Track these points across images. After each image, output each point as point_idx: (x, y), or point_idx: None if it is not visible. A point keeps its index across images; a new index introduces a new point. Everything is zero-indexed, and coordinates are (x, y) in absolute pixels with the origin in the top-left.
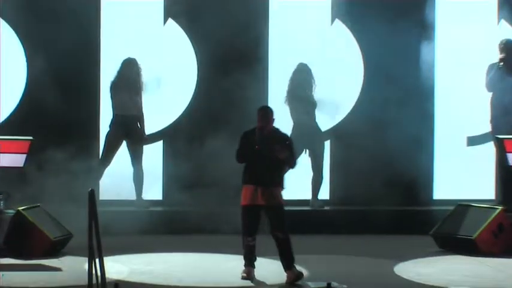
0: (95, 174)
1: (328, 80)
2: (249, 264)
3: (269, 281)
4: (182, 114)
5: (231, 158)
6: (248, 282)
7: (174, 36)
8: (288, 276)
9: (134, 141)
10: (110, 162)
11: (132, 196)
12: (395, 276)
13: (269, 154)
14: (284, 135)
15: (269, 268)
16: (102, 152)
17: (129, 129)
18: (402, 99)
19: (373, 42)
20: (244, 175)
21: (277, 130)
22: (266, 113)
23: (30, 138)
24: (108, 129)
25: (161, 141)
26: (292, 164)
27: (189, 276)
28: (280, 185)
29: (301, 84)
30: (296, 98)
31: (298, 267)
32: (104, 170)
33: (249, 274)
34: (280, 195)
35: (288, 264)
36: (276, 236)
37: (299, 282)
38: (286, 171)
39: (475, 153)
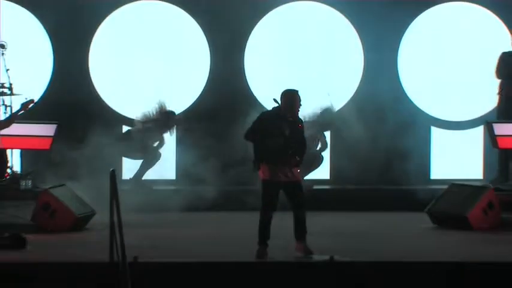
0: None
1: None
2: (263, 242)
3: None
4: (194, 103)
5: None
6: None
7: (188, 26)
8: (296, 247)
9: None
10: None
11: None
12: (392, 250)
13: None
14: (300, 119)
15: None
16: None
17: None
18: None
19: (372, 36)
20: (265, 153)
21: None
22: (295, 97)
23: (56, 122)
24: None
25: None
26: (304, 149)
27: (204, 250)
28: (297, 165)
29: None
30: None
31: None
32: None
33: (262, 254)
34: (298, 174)
35: (299, 235)
36: (294, 212)
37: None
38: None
39: (466, 137)
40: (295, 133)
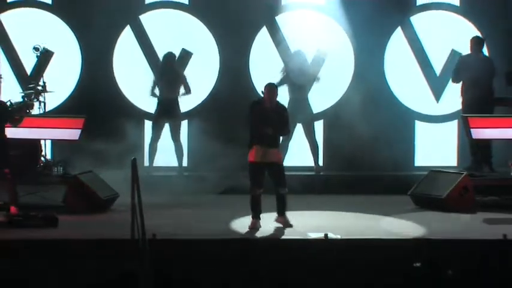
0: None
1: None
2: (256, 216)
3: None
4: (204, 100)
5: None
6: (262, 234)
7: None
8: (278, 220)
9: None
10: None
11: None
12: (379, 228)
13: (273, 125)
14: (283, 107)
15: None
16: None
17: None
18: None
19: (362, 38)
20: (253, 138)
21: (278, 102)
22: (273, 89)
23: (84, 116)
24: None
25: (186, 121)
26: (286, 133)
27: (212, 229)
28: (278, 146)
29: (297, 68)
30: (292, 79)
31: (300, 220)
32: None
33: (254, 225)
34: (280, 154)
35: (280, 210)
36: (277, 190)
37: (292, 232)
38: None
39: (445, 129)
40: (274, 118)
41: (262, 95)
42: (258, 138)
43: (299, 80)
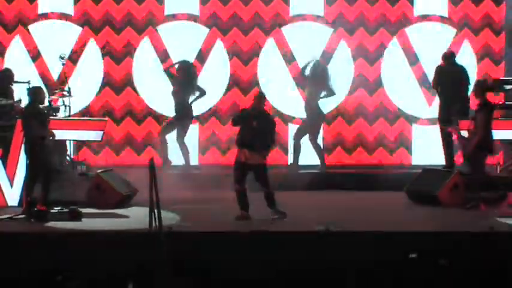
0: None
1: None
2: (243, 208)
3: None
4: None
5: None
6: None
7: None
8: (272, 214)
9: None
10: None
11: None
12: (377, 221)
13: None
14: (270, 117)
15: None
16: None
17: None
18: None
19: (362, 47)
20: (240, 140)
21: (266, 111)
22: (260, 98)
23: (105, 119)
24: None
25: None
26: (270, 142)
27: (221, 222)
28: (265, 149)
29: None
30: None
31: (305, 213)
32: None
33: (242, 216)
34: (264, 157)
35: (270, 205)
36: (262, 189)
37: (298, 224)
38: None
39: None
40: (262, 125)
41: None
42: (245, 140)
43: (310, 86)
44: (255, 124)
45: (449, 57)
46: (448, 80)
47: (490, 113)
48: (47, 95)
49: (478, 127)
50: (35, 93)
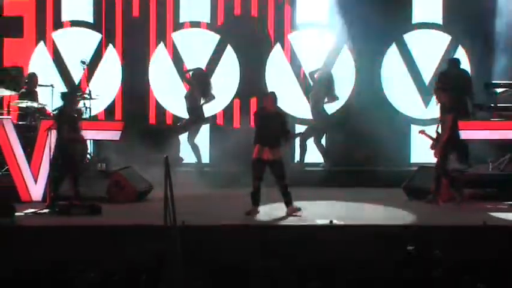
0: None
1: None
2: (254, 203)
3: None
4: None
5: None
6: (274, 220)
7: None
8: (288, 211)
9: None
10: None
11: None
12: (377, 216)
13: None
14: (282, 112)
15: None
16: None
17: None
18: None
19: (362, 53)
20: (258, 139)
21: (278, 108)
22: (272, 97)
23: (123, 121)
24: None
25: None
26: (285, 133)
27: (232, 216)
28: (279, 146)
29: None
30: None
31: (309, 209)
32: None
33: (253, 211)
34: (280, 153)
35: (287, 202)
36: (278, 183)
37: (303, 218)
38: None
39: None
40: (274, 123)
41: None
42: (260, 139)
43: (315, 91)
44: (267, 123)
45: (454, 62)
46: (452, 84)
47: (456, 115)
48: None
49: (445, 128)
50: (67, 98)
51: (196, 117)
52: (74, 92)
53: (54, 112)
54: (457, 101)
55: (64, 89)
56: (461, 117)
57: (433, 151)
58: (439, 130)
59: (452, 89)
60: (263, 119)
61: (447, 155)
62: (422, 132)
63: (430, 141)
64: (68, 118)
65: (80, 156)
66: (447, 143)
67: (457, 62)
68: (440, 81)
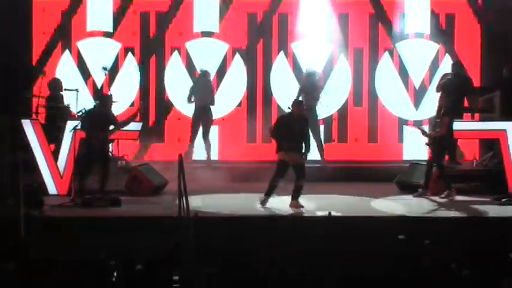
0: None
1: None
2: (267, 194)
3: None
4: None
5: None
6: (280, 213)
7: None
8: (291, 204)
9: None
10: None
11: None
12: (371, 207)
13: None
14: (305, 119)
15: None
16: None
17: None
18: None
19: (358, 61)
20: (281, 142)
21: (302, 115)
22: (300, 106)
23: (141, 121)
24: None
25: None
26: (307, 140)
27: (241, 208)
28: (301, 151)
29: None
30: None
31: (307, 202)
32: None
33: (265, 201)
34: (301, 157)
35: (294, 196)
36: (297, 181)
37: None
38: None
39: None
40: (301, 130)
41: (289, 110)
42: (285, 143)
43: (311, 92)
44: (296, 130)
45: (454, 67)
46: (451, 87)
47: (452, 117)
48: (92, 100)
49: (442, 127)
50: (99, 98)
51: (207, 116)
52: (109, 96)
53: (79, 113)
54: (456, 104)
55: (87, 93)
56: (456, 119)
57: (427, 148)
58: (426, 129)
59: (453, 93)
60: (289, 126)
61: (443, 152)
62: (417, 127)
63: (424, 137)
64: (95, 117)
65: (107, 153)
66: (442, 141)
67: (459, 67)
68: (444, 85)
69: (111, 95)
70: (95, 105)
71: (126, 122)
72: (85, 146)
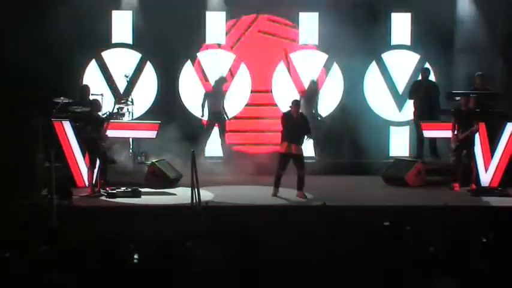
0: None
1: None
2: (276, 186)
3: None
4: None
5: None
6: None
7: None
8: (298, 194)
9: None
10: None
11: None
12: (361, 197)
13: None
14: (305, 116)
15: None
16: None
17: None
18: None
19: (348, 69)
20: (283, 136)
21: (302, 113)
22: (297, 104)
23: (159, 121)
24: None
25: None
26: (308, 132)
27: (248, 199)
28: (301, 143)
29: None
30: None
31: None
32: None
33: (274, 193)
34: (300, 149)
35: (299, 187)
36: (298, 172)
37: (304, 201)
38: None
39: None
40: (299, 124)
41: (289, 108)
42: (287, 137)
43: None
44: (294, 124)
45: (426, 73)
46: (423, 91)
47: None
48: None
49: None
50: (91, 104)
51: (219, 118)
52: (96, 100)
53: (104, 115)
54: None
55: (111, 97)
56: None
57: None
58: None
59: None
60: (290, 121)
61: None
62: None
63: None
64: (90, 120)
65: (104, 151)
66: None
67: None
68: (416, 91)
69: (94, 100)
70: (88, 112)
71: (108, 118)
72: (83, 143)
